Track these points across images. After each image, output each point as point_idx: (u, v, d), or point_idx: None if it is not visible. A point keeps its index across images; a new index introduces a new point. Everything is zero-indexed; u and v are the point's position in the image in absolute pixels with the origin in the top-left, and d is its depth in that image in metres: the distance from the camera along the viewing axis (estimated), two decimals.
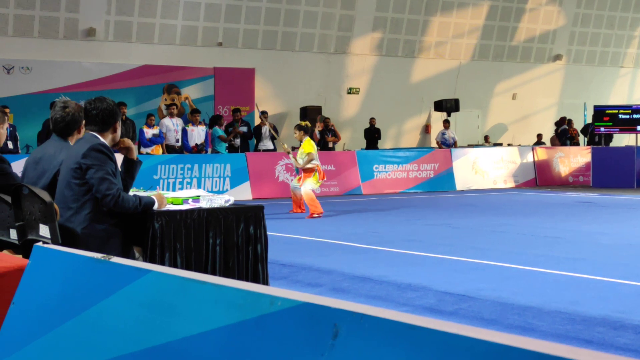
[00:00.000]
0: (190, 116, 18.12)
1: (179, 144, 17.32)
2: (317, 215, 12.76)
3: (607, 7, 27.27)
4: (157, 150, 16.98)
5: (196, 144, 17.33)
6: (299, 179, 13.28)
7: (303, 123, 14.02)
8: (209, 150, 17.67)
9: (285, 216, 13.09)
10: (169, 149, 17.13)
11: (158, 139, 17.05)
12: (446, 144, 21.16)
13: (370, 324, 1.45)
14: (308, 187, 13.02)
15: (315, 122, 20.14)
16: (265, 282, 5.49)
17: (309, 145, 13.14)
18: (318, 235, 10.38)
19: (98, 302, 2.13)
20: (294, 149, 14.17)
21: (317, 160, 13.30)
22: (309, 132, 13.63)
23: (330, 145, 19.95)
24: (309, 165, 13.11)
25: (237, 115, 18.71)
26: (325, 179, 13.85)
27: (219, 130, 17.86)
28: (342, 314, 1.51)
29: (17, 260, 3.14)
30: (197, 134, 17.47)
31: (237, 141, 18.22)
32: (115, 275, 2.13)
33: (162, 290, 1.97)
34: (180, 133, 17.39)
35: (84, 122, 5.18)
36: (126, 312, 2.03)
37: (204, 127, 17.85)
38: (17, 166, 5.60)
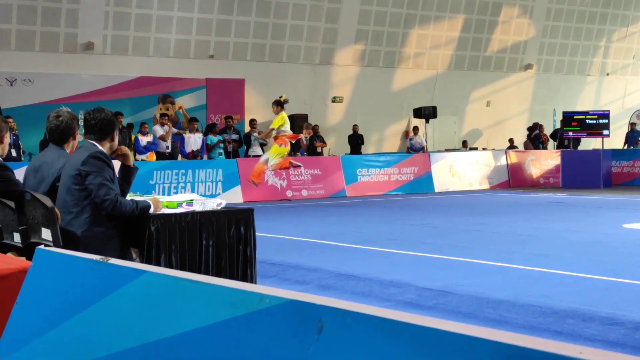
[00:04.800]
0: (187, 124, 18.06)
1: (169, 150, 17.22)
2: (253, 183, 13.22)
3: (574, 19, 27.43)
4: (152, 156, 16.93)
5: (192, 151, 17.26)
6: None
7: (280, 97, 13.41)
8: (204, 156, 17.60)
9: (274, 217, 13.07)
10: (159, 156, 16.98)
11: (152, 146, 17.00)
12: (413, 148, 21.43)
13: (353, 319, 1.46)
14: (263, 158, 13.19)
15: (302, 129, 20.11)
16: (253, 280, 5.48)
17: (276, 120, 12.85)
18: (305, 236, 10.37)
19: (97, 301, 2.12)
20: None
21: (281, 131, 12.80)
22: (282, 105, 12.96)
23: (319, 150, 19.96)
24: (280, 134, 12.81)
25: (229, 121, 18.66)
26: (286, 145, 12.90)
27: (213, 139, 17.79)
28: (327, 310, 1.52)
29: (21, 262, 3.12)
30: (194, 141, 17.41)
31: (230, 147, 18.17)
32: (113, 275, 2.13)
33: (158, 290, 1.97)
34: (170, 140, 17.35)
35: (77, 128, 5.15)
36: (124, 311, 2.02)
37: (201, 134, 17.79)
38: (20, 173, 5.56)
